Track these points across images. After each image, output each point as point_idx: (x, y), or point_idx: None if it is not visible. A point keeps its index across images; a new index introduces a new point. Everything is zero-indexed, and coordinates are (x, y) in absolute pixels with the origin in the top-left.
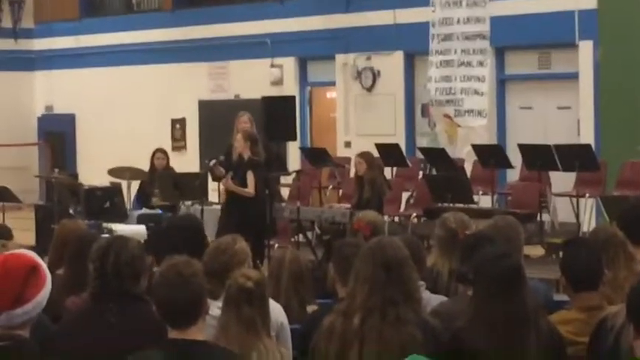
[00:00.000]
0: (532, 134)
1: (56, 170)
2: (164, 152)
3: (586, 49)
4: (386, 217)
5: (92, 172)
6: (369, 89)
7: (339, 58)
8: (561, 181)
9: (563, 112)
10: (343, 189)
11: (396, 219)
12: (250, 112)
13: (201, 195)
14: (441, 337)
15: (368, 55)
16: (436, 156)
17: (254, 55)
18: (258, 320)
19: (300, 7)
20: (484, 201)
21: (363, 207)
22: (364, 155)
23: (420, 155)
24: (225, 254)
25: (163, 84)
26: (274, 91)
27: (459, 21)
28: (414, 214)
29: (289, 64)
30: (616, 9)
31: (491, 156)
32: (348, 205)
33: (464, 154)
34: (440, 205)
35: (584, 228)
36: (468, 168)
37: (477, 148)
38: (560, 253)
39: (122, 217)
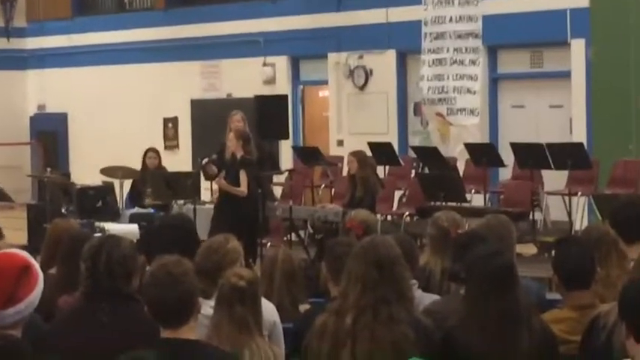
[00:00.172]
0: (524, 133)
1: (48, 169)
2: (156, 151)
3: (578, 47)
4: (378, 216)
5: (84, 172)
6: (362, 88)
7: (332, 56)
8: (553, 179)
9: (555, 111)
10: (336, 188)
11: (389, 218)
12: (243, 110)
13: (194, 194)
14: (434, 336)
15: (360, 53)
16: (428, 155)
17: (246, 54)
18: (250, 319)
19: (293, 6)
20: (476, 200)
21: (355, 206)
22: (356, 154)
23: (412, 154)
24: (218, 253)
25: (156, 83)
26: (267, 90)
27: (451, 19)
28: (407, 213)
29: (282, 62)
30: (608, 7)
31: (484, 154)
32: (341, 205)
33: (456, 152)
34: (432, 203)
35: (577, 226)
36: (461, 167)
37: (470, 147)
38: (553, 252)
39: (114, 217)
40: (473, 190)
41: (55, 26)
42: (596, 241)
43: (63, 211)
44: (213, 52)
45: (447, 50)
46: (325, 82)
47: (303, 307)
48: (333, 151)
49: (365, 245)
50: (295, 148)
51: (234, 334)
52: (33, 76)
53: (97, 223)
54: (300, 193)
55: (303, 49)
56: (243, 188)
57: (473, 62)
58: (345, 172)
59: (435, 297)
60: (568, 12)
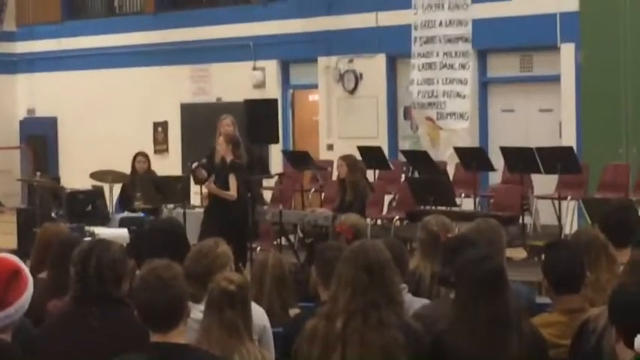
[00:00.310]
0: (514, 137)
1: (38, 174)
2: (145, 156)
3: (568, 51)
4: (368, 220)
5: (74, 176)
6: (352, 92)
7: (322, 60)
8: (543, 183)
9: (545, 115)
10: (326, 192)
11: (379, 222)
12: (233, 114)
13: (184, 198)
14: (423, 340)
15: (350, 57)
16: (418, 159)
17: (236, 58)
18: (240, 324)
19: (282, 10)
20: (466, 204)
21: (345, 210)
22: (346, 158)
23: (402, 158)
24: (208, 257)
25: (145, 87)
26: (256, 94)
27: (441, 24)
28: (397, 217)
29: (271, 66)
30: (597, 12)
31: (474, 159)
32: (331, 209)
33: (446, 156)
34: (422, 207)
35: (566, 230)
36: (451, 171)
37: (459, 151)
38: (543, 256)
39: (104, 221)
40: (463, 195)
41: (45, 30)
42: (586, 245)
43: (53, 215)
44: (202, 56)
45: (437, 54)
46: (315, 86)
47: (293, 312)
48: (323, 155)
49: (355, 249)
50: (285, 153)
51: (224, 338)
52: (23, 80)
53: (86, 228)
54: (290, 198)
55: (293, 53)
56: (232, 192)
57: (463, 66)
58: (334, 177)
59: (425, 301)
60: (558, 16)
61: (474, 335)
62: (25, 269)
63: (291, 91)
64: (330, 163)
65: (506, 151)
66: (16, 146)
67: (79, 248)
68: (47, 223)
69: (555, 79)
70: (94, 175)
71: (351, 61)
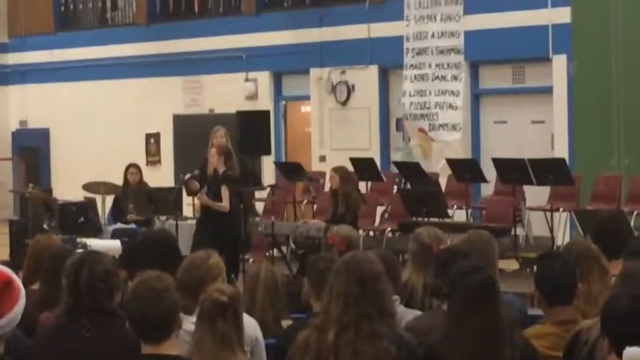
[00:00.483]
0: (506, 148)
1: (30, 185)
2: (137, 167)
3: (560, 63)
4: (361, 232)
5: (66, 187)
6: (344, 103)
7: (314, 72)
8: (535, 195)
9: (537, 127)
10: (318, 203)
11: (371, 233)
12: (225, 126)
13: (176, 210)
14: (416, 352)
15: (342, 69)
16: (411, 170)
17: (228, 70)
18: (232, 335)
19: (275, 22)
20: (459, 215)
21: (337, 221)
22: (338, 170)
23: (394, 169)
24: (200, 269)
25: (138, 98)
26: (249, 106)
27: (433, 35)
28: (389, 229)
29: (264, 78)
30: (589, 23)
31: (466, 170)
32: (323, 220)
33: (438, 168)
34: (414, 219)
35: (559, 242)
36: (443, 182)
37: (452, 163)
38: (535, 268)
39: (97, 232)
40: (455, 206)
41: (37, 41)
42: (578, 256)
43: (45, 226)
44: (195, 68)
45: (429, 66)
46: (307, 98)
47: (285, 323)
48: (316, 166)
49: (347, 261)
50: (277, 164)
51: (216, 349)
52: (15, 91)
53: (79, 239)
54: (283, 209)
55: (285, 65)
56: (225, 204)
57: (455, 78)
58: (327, 188)
59: (417, 313)
60: (550, 28)
61: (466, 347)
62: (18, 281)
63: (283, 102)
64: (323, 174)
65: (498, 163)
66: (8, 158)
67: (71, 260)
68: (39, 234)
69: (547, 90)
70: (87, 187)
71: (343, 72)
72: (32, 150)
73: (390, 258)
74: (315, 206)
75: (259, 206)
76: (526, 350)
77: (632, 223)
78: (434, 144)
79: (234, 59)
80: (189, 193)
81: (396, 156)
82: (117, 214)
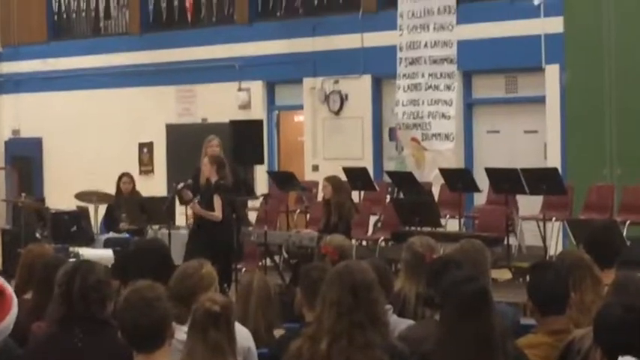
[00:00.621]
0: (499, 158)
1: (23, 194)
2: (130, 176)
3: (552, 73)
4: (353, 241)
5: (59, 196)
6: (337, 113)
7: (307, 81)
8: (528, 204)
9: (529, 136)
10: (311, 213)
11: (364, 243)
12: (218, 135)
13: (169, 219)
14: None
15: (335, 78)
16: (404, 180)
17: (222, 79)
18: (224, 344)
19: (268, 31)
20: (451, 225)
21: (330, 231)
22: (330, 179)
23: (387, 179)
24: (192, 278)
25: (131, 108)
26: (242, 115)
27: (426, 45)
28: (382, 238)
29: (257, 87)
30: (582, 33)
31: (459, 180)
32: (316, 230)
33: (431, 177)
34: (407, 228)
35: (551, 251)
36: (436, 191)
37: (445, 172)
38: (527, 277)
39: (89, 242)
40: (448, 215)
41: (30, 51)
42: (571, 266)
43: (37, 236)
44: (188, 77)
45: (422, 75)
46: (300, 107)
47: (278, 332)
48: (309, 176)
49: (340, 270)
50: (270, 173)
51: (208, 359)
52: (8, 100)
53: (71, 248)
54: (275, 218)
55: (278, 74)
56: (217, 213)
57: (448, 87)
58: (320, 197)
59: (410, 322)
60: (542, 37)
61: (459, 356)
62: (10, 290)
63: (276, 111)
64: (316, 184)
65: (491, 172)
66: (1, 167)
67: (63, 269)
68: (32, 244)
69: (540, 100)
70: (79, 196)
71: (336, 82)
72: (25, 159)
73: (382, 267)
74: (307, 216)
75: (252, 215)
76: None
77: (624, 233)
78: (427, 153)
79: (227, 69)
80: (182, 203)
81: (389, 165)
82: (109, 223)
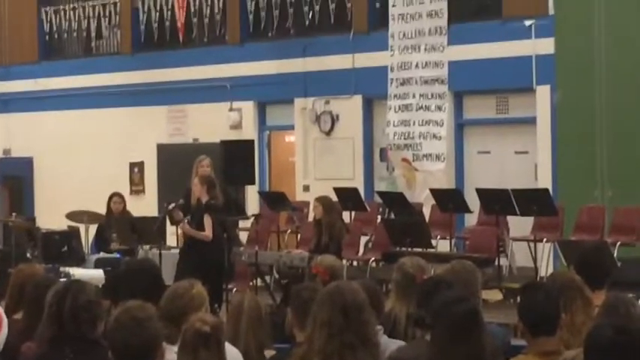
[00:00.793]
0: (490, 179)
1: (14, 214)
2: (121, 196)
3: (543, 93)
4: (344, 262)
5: (50, 216)
6: (328, 133)
7: (298, 102)
8: (519, 225)
9: (520, 157)
10: (302, 233)
11: (355, 263)
12: (209, 155)
13: (160, 239)
14: None
15: (326, 99)
16: (395, 200)
17: (213, 99)
18: None
19: (259, 52)
20: (442, 245)
21: (321, 251)
22: (321, 199)
23: (378, 199)
24: (183, 299)
25: (122, 127)
26: (233, 135)
27: (417, 65)
28: (373, 259)
29: (248, 107)
30: (573, 54)
31: (450, 200)
32: (307, 250)
33: (422, 198)
34: (398, 249)
35: (542, 272)
36: (427, 212)
37: (435, 193)
38: (518, 298)
39: (80, 261)
40: (439, 236)
41: (22, 70)
42: (562, 287)
43: (28, 255)
44: (179, 97)
45: (413, 96)
46: (291, 128)
47: (269, 353)
48: (300, 196)
49: (331, 291)
50: (261, 193)
51: None
52: None
53: (62, 268)
54: (266, 239)
55: (269, 95)
56: (207, 233)
57: (439, 108)
58: (311, 218)
59: (401, 343)
60: (533, 58)
61: None
62: (0, 310)
63: (267, 132)
64: (307, 204)
65: (482, 193)
66: None
67: (54, 289)
68: (22, 263)
69: (531, 121)
70: (70, 216)
71: (327, 102)
72: (16, 179)
73: (373, 288)
74: (298, 236)
75: (243, 236)
76: None
77: (615, 254)
78: (418, 174)
79: (218, 89)
80: (172, 223)
81: (380, 186)
82: (100, 243)
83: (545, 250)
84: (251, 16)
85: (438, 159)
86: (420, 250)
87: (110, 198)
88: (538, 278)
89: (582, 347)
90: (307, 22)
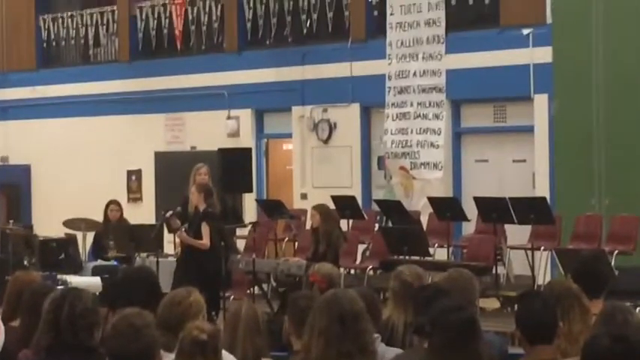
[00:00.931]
0: (487, 187)
1: (11, 221)
2: (118, 204)
3: (541, 102)
4: (342, 270)
5: (47, 224)
6: (326, 141)
7: (296, 110)
8: (516, 234)
9: (518, 165)
10: (299, 241)
11: (352, 271)
12: (207, 163)
13: (157, 247)
14: None
15: (324, 107)
16: (392, 208)
17: (210, 107)
18: None
19: (257, 60)
20: (440, 254)
21: (318, 259)
22: (319, 208)
23: (376, 207)
24: (180, 306)
25: (119, 135)
26: (230, 143)
27: (415, 74)
28: (370, 267)
29: (246, 115)
30: (571, 63)
31: (447, 209)
32: (304, 258)
33: (420, 206)
34: (396, 257)
35: (540, 281)
36: (424, 220)
37: (433, 201)
38: (516, 306)
39: (77, 269)
40: (436, 244)
41: (19, 78)
42: (559, 295)
43: (25, 263)
44: (177, 105)
45: (411, 104)
46: (289, 136)
47: None
48: (297, 204)
49: (328, 299)
50: (259, 202)
51: None
52: None
53: (59, 276)
54: (264, 247)
55: (267, 103)
56: (205, 241)
57: (436, 116)
58: (308, 226)
59: (398, 351)
60: (531, 67)
61: None
62: None
63: (265, 140)
64: (304, 212)
65: (479, 202)
66: None
67: (51, 297)
68: (19, 271)
69: (529, 129)
70: (68, 224)
71: (325, 110)
72: (13, 186)
73: (370, 296)
74: (296, 244)
75: (240, 244)
76: None
77: (612, 263)
78: (415, 182)
79: (216, 97)
80: (170, 231)
81: (378, 194)
82: (97, 250)
83: (543, 258)
84: (249, 25)
85: (436, 167)
86: (417, 258)
87: (107, 205)
88: (535, 287)
89: (580, 356)
90: (305, 31)
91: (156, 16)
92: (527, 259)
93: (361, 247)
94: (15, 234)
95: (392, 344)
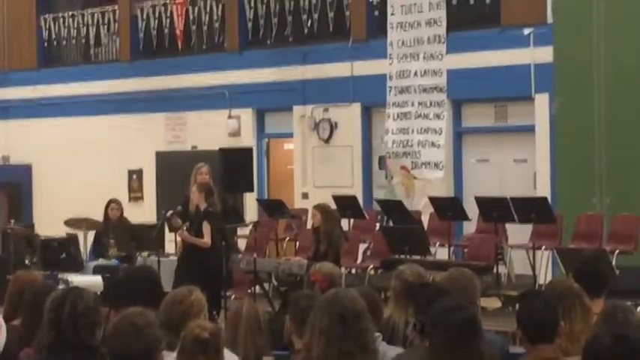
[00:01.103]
0: (488, 187)
1: (12, 221)
2: (118, 203)
3: (542, 102)
4: (343, 269)
5: (49, 223)
6: (327, 141)
7: (297, 109)
8: (518, 233)
9: (519, 165)
10: (300, 241)
11: (353, 271)
12: (208, 163)
13: (158, 246)
14: None
15: (325, 106)
16: (393, 208)
17: (211, 107)
18: None
19: (258, 59)
20: (441, 253)
21: (320, 259)
22: (320, 207)
23: (377, 207)
24: (182, 305)
25: (120, 135)
26: (232, 143)
27: (416, 73)
28: (371, 266)
29: (247, 115)
30: (571, 62)
31: (448, 208)
32: (305, 258)
33: (421, 206)
34: (397, 257)
35: (541, 280)
36: (425, 220)
37: (434, 201)
38: (517, 306)
39: (78, 268)
40: (437, 244)
41: (20, 77)
42: (560, 295)
43: (26, 262)
44: (178, 104)
45: (412, 104)
46: (290, 135)
47: None
48: (298, 203)
49: (329, 298)
50: (260, 201)
51: None
52: None
53: (60, 275)
54: (265, 246)
55: (268, 102)
56: (206, 239)
57: (437, 116)
58: (309, 225)
59: (399, 350)
60: (532, 67)
61: None
62: None
63: (266, 139)
64: (305, 211)
65: (480, 201)
66: None
67: (52, 296)
68: (21, 270)
69: (530, 129)
70: (69, 223)
71: (326, 110)
72: (14, 186)
73: (371, 295)
74: (297, 243)
75: (241, 243)
76: None
77: (613, 262)
78: (416, 182)
79: (217, 96)
80: (171, 230)
81: (379, 194)
82: (98, 249)
83: (544, 257)
84: (250, 24)
85: (437, 167)
86: (418, 257)
87: (107, 205)
88: (537, 286)
89: (581, 355)
90: (306, 30)
91: (157, 15)
92: (529, 259)
93: (362, 247)
94: (16, 233)
95: (393, 343)
